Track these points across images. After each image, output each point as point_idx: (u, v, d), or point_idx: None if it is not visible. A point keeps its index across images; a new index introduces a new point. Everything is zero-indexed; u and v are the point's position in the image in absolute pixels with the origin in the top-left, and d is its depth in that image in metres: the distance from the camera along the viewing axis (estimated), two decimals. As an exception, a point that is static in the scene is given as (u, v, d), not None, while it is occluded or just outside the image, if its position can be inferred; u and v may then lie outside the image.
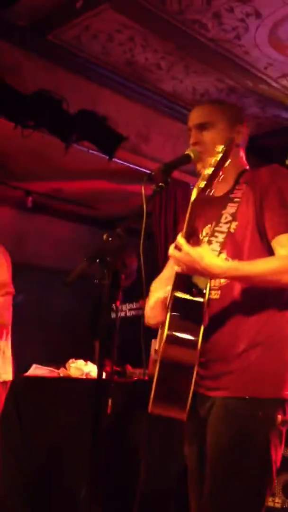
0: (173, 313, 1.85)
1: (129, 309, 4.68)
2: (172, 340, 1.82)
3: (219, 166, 1.75)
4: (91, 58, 3.70)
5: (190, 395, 1.84)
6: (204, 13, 3.19)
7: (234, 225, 1.97)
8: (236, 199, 2.01)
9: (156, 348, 2.15)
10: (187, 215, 1.81)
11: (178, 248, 1.83)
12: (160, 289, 2.08)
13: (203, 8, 3.14)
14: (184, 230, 1.83)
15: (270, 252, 1.93)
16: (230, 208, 2.01)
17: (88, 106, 3.83)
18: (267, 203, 1.94)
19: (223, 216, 2.00)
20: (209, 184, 1.75)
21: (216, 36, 3.39)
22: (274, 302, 1.94)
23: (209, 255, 1.82)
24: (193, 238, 1.83)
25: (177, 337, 1.82)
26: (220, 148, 1.76)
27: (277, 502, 3.14)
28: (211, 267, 1.80)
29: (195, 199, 1.77)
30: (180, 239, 1.82)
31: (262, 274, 1.85)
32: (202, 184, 1.75)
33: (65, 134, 3.71)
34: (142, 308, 2.33)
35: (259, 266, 1.86)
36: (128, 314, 4.68)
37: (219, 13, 3.18)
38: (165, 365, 1.84)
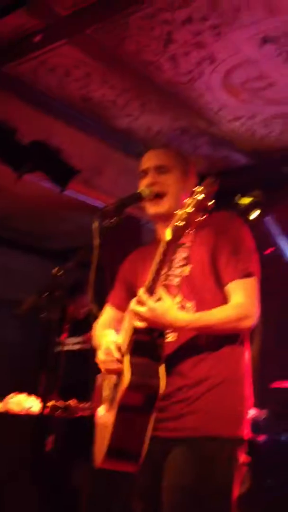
0: (134, 357, 1.80)
1: (75, 343, 4.60)
2: (134, 386, 1.75)
3: (200, 206, 1.66)
4: (46, 91, 3.71)
5: (146, 445, 1.78)
6: (161, 55, 3.27)
7: (188, 268, 1.99)
8: (185, 245, 2.04)
9: (104, 386, 2.08)
10: (156, 263, 1.79)
11: (140, 303, 1.80)
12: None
13: (159, 50, 3.22)
14: (148, 281, 1.80)
15: (225, 295, 1.96)
16: (181, 253, 2.03)
17: (42, 138, 3.83)
18: (222, 250, 1.98)
19: (175, 261, 2.03)
20: (186, 225, 1.68)
21: (171, 78, 3.48)
22: (230, 341, 1.96)
23: (173, 309, 1.82)
24: (156, 288, 1.80)
25: (140, 383, 1.76)
26: (200, 188, 1.69)
27: None
28: (176, 321, 1.82)
29: (169, 241, 1.73)
30: (143, 294, 1.80)
31: (221, 323, 1.89)
32: (180, 223, 1.68)
33: (18, 164, 3.69)
34: (88, 341, 2.29)
35: (217, 316, 1.89)
36: (74, 347, 4.58)
37: (175, 56, 3.27)
38: (124, 411, 1.77)
